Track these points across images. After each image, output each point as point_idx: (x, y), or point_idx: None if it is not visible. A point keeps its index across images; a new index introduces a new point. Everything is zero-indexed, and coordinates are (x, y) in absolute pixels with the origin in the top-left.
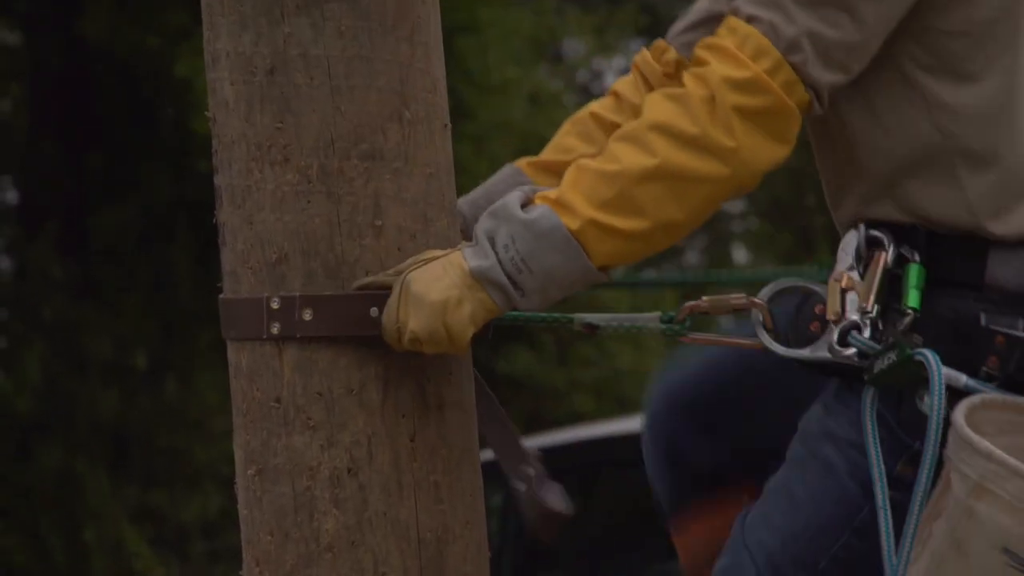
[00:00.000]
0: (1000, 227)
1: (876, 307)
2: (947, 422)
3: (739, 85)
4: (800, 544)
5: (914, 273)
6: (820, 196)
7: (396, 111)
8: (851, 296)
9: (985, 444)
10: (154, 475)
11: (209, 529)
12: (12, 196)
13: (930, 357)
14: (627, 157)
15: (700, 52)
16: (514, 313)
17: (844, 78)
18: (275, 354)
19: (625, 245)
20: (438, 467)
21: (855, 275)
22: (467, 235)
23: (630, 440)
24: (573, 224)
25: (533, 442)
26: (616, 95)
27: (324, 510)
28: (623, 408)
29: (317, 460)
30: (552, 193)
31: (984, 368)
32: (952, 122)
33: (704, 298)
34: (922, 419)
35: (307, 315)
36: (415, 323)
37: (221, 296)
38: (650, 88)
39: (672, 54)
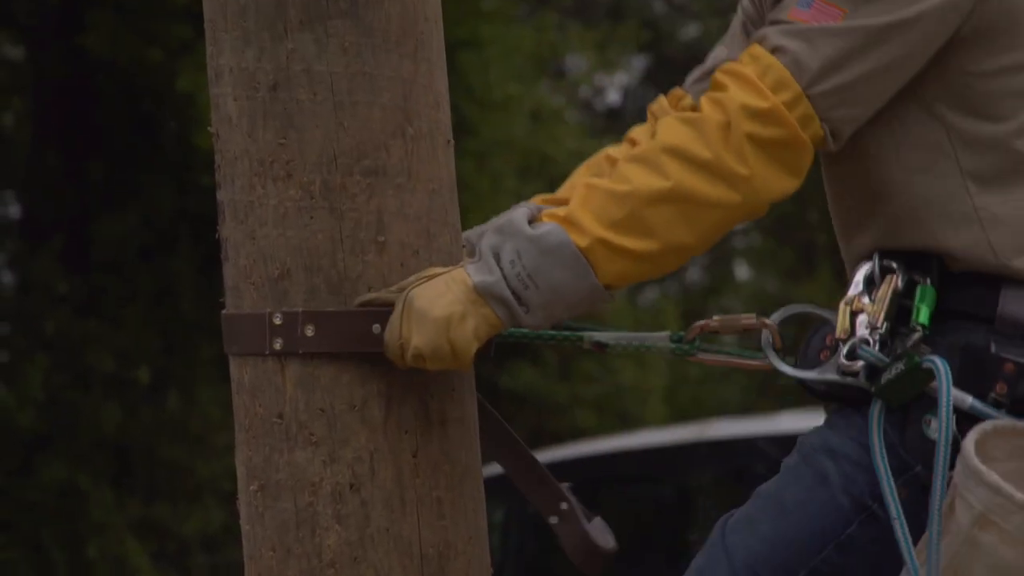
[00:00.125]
0: (1019, 263)
1: (886, 324)
2: (955, 445)
3: (756, 114)
4: (782, 551)
5: (924, 293)
6: (823, 212)
7: (399, 127)
8: (861, 317)
9: (993, 477)
10: (156, 489)
11: (211, 544)
12: (14, 210)
13: (939, 364)
14: (639, 178)
15: (720, 77)
16: (523, 330)
17: (865, 112)
18: (277, 370)
19: (633, 266)
20: (440, 483)
21: (865, 299)
22: None
23: (632, 456)
24: (582, 242)
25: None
26: (632, 141)
27: (326, 526)
28: (625, 424)
29: (319, 476)
30: (561, 211)
31: (992, 394)
32: (975, 161)
33: (715, 317)
34: (926, 443)
35: (309, 331)
36: (419, 339)
37: (223, 311)
38: None
39: (688, 101)
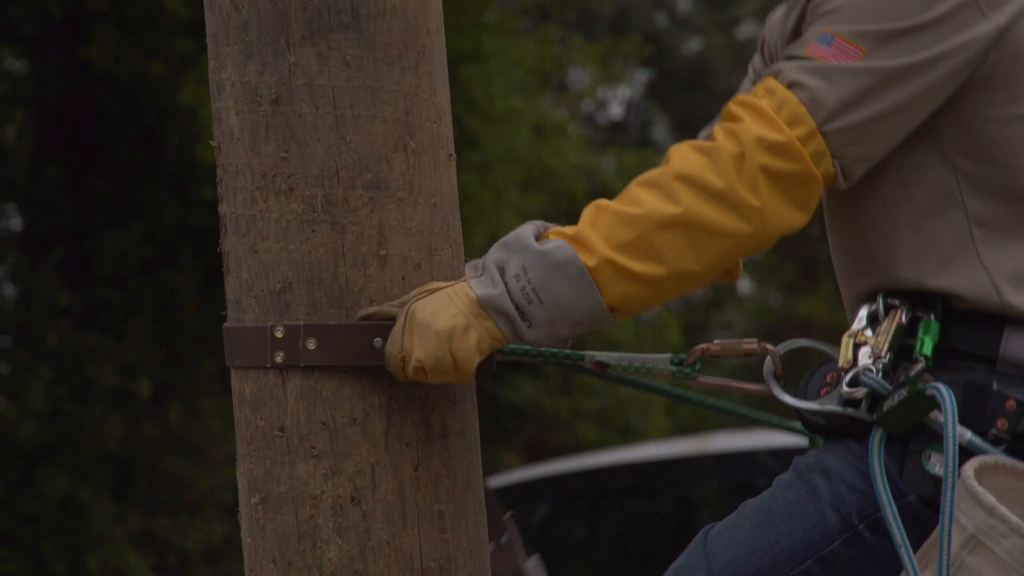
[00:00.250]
0: (1021, 309)
1: (889, 355)
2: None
3: (771, 147)
4: (763, 558)
5: (928, 326)
6: (824, 226)
7: (401, 141)
8: (864, 349)
9: (989, 498)
10: (158, 502)
11: (212, 556)
12: (16, 223)
13: (943, 390)
14: (650, 202)
15: (734, 108)
16: (526, 348)
17: (878, 151)
18: (279, 383)
19: (639, 289)
20: (442, 496)
21: (868, 332)
22: None
23: (634, 469)
24: (590, 261)
25: (537, 471)
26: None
27: (327, 539)
28: (626, 437)
29: (320, 489)
30: (569, 230)
31: (993, 430)
32: (983, 208)
33: (715, 341)
34: (924, 477)
35: (311, 344)
36: (421, 351)
37: (225, 325)
38: None
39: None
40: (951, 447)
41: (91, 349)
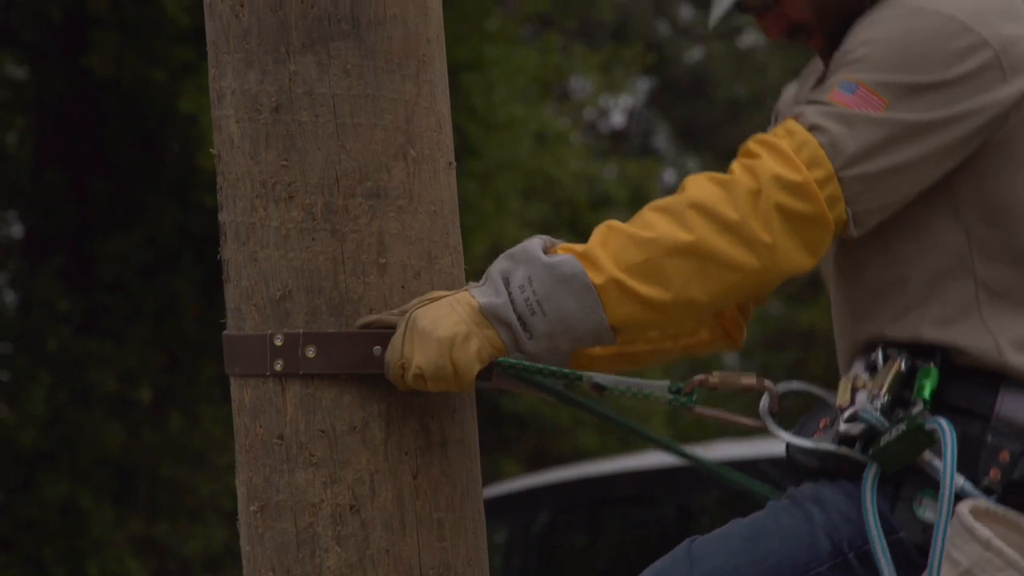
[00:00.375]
0: (1020, 370)
1: (887, 396)
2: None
3: (788, 186)
4: (748, 571)
5: (927, 372)
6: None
7: (401, 149)
8: (862, 392)
9: (985, 531)
10: (157, 508)
11: (212, 563)
12: (16, 229)
13: (944, 424)
14: (662, 227)
15: (753, 146)
16: (525, 364)
17: (891, 203)
18: (278, 391)
19: (642, 312)
20: (441, 504)
21: (866, 375)
22: None
23: (633, 477)
24: (597, 279)
25: (538, 479)
26: None
27: (326, 547)
28: (626, 445)
29: (319, 497)
30: (578, 247)
31: (986, 479)
32: (991, 272)
33: (715, 373)
34: (915, 521)
35: (310, 352)
36: (421, 358)
37: (225, 333)
38: None
39: None
40: (948, 475)
41: (91, 355)
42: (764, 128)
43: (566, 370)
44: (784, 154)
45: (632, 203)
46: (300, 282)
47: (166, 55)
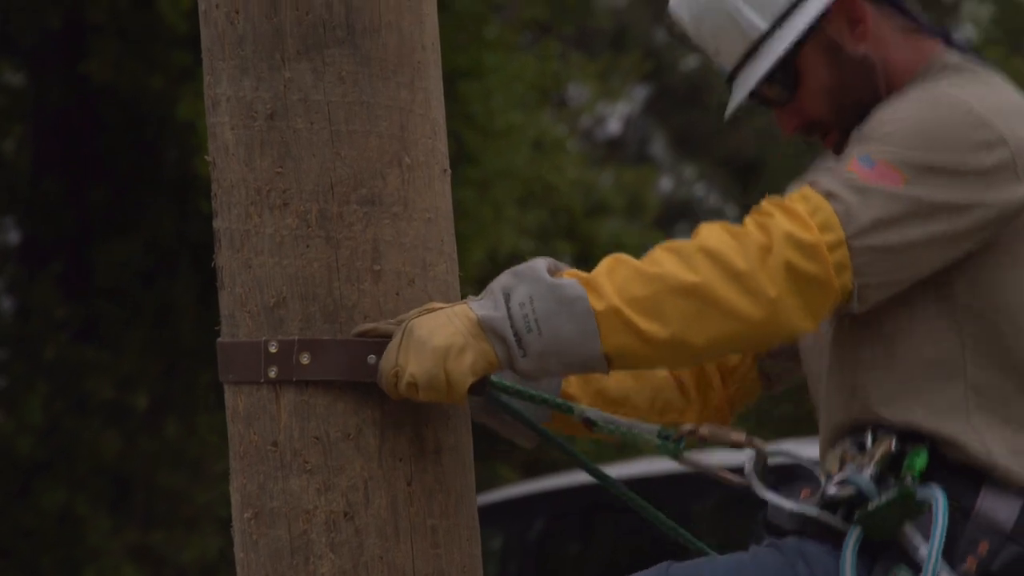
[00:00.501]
0: (1004, 464)
1: (876, 469)
2: None
3: (799, 245)
4: None
5: (917, 452)
6: None
7: (396, 156)
8: (851, 464)
9: None
10: (154, 515)
11: (207, 570)
12: (14, 236)
13: (938, 493)
14: (669, 266)
15: (767, 206)
16: (518, 388)
17: (896, 281)
18: (272, 398)
19: (637, 344)
20: (435, 511)
21: (855, 451)
22: None
23: (629, 484)
24: (598, 305)
25: (533, 486)
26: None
27: (320, 554)
28: (621, 453)
29: (313, 504)
30: (583, 274)
31: (962, 567)
32: (982, 377)
33: (705, 426)
34: None
35: (305, 359)
36: (415, 367)
37: (219, 340)
38: None
39: None
40: (939, 532)
41: (88, 362)
42: (760, 135)
43: (558, 400)
44: (798, 215)
45: (629, 211)
46: (294, 289)
47: (164, 61)
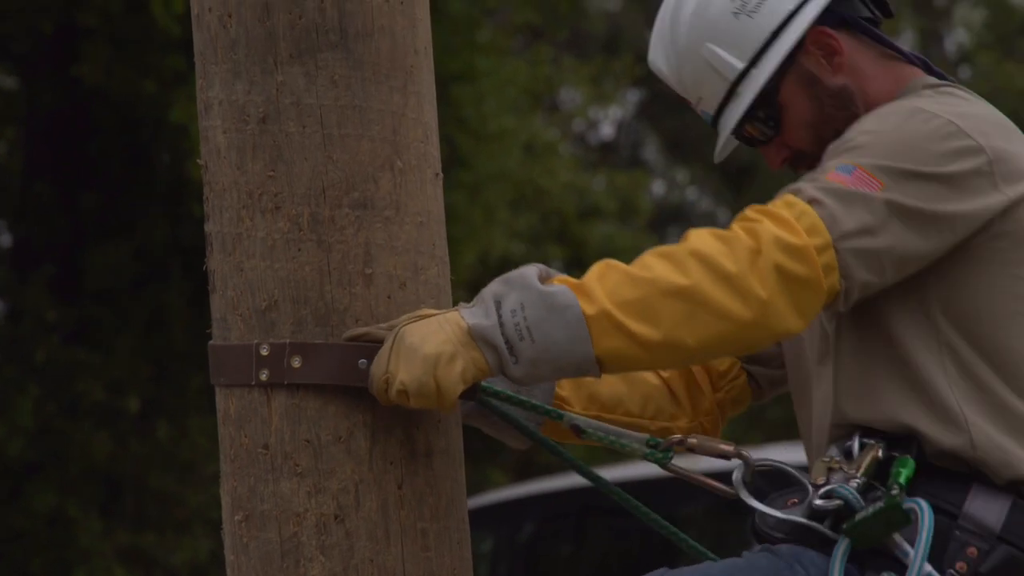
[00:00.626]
0: (993, 462)
1: (863, 479)
2: None
3: (787, 248)
4: None
5: (904, 462)
6: None
7: (388, 160)
8: (838, 473)
9: None
10: (145, 518)
11: (198, 573)
12: (5, 239)
13: (923, 504)
14: (660, 269)
15: (752, 213)
16: (509, 393)
17: (879, 283)
18: (264, 401)
19: (629, 347)
20: (425, 514)
21: (841, 459)
22: None
23: (620, 487)
24: (589, 309)
25: (525, 489)
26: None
27: (310, 556)
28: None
29: (304, 507)
30: (574, 280)
31: (951, 571)
32: (963, 369)
33: (694, 436)
34: None
35: (296, 362)
36: (405, 374)
37: (210, 343)
38: None
39: None
40: (923, 544)
41: (80, 365)
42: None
43: (547, 407)
44: (784, 220)
45: (621, 215)
46: (286, 292)
47: (157, 65)
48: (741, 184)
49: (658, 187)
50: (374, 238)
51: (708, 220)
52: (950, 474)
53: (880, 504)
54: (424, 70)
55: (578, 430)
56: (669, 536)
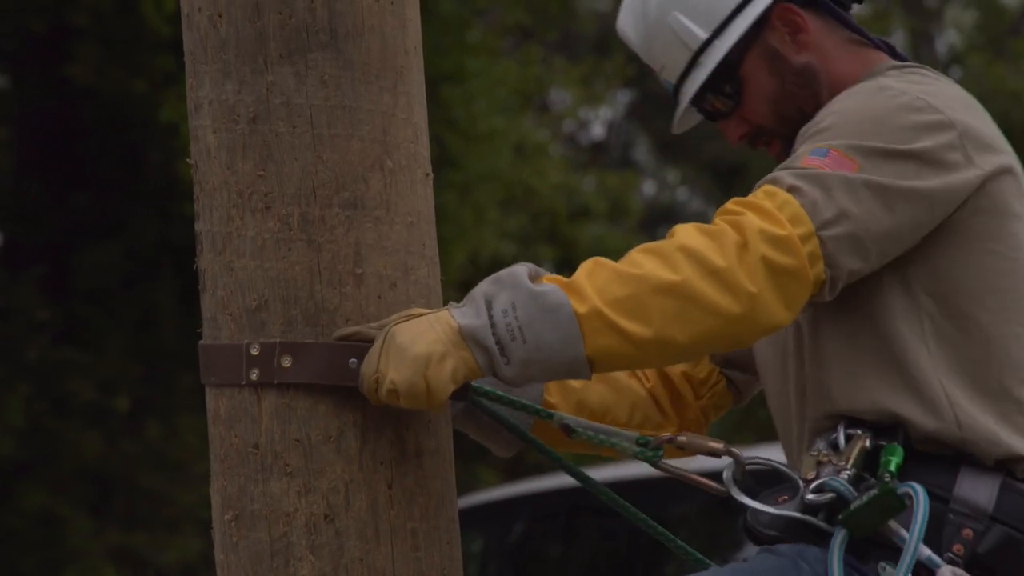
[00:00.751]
0: (982, 443)
1: (853, 469)
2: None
3: (773, 240)
4: None
5: (893, 449)
6: None
7: (378, 160)
8: (827, 467)
9: None
10: (135, 517)
11: (188, 572)
12: None
13: (918, 489)
14: (650, 266)
15: (734, 207)
16: (499, 393)
17: (864, 268)
18: (254, 400)
19: (621, 345)
20: (415, 514)
21: (829, 452)
22: None
23: (611, 487)
24: (581, 308)
25: (515, 488)
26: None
27: (300, 556)
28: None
29: (294, 506)
30: (564, 279)
31: (948, 554)
32: (947, 349)
33: (684, 434)
34: None
35: (286, 362)
36: (395, 374)
37: (200, 342)
38: None
39: None
40: (918, 529)
41: (70, 365)
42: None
43: (538, 406)
44: (767, 211)
45: (611, 215)
46: (276, 292)
47: (147, 65)
48: (732, 184)
49: (648, 187)
50: (364, 238)
51: (698, 220)
52: (937, 458)
53: (875, 491)
54: (414, 70)
55: (568, 429)
56: (658, 536)
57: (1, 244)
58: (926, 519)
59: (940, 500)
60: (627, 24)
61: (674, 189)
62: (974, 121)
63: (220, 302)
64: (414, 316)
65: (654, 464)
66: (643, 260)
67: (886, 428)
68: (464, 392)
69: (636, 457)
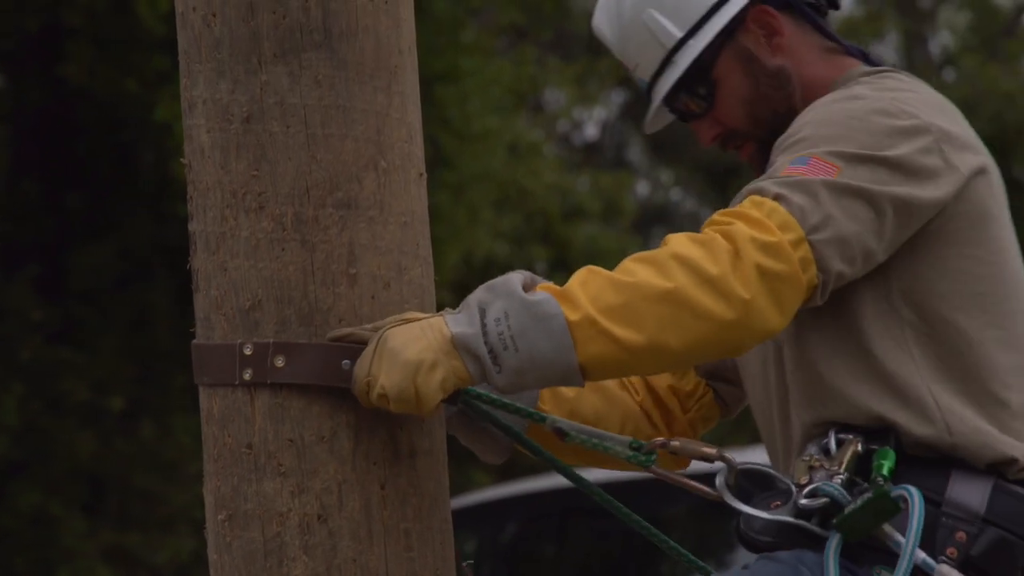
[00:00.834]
0: (972, 447)
1: (846, 473)
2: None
3: (764, 247)
4: None
5: (885, 453)
6: None
7: (372, 160)
8: (820, 472)
9: None
10: (129, 517)
11: (182, 572)
12: None
13: (913, 491)
14: (643, 274)
15: (721, 218)
16: (492, 396)
17: (851, 272)
18: (247, 400)
19: (614, 352)
20: (408, 515)
21: (821, 457)
22: None
23: (603, 488)
24: (573, 315)
25: (507, 489)
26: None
27: (293, 556)
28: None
29: (287, 506)
30: (557, 287)
31: (942, 557)
32: (930, 351)
33: (676, 439)
34: None
35: (279, 362)
36: (386, 379)
37: (194, 342)
38: None
39: None
40: (915, 530)
41: (64, 364)
42: None
43: (531, 410)
44: (756, 220)
45: (605, 215)
46: (270, 292)
47: (141, 64)
48: (725, 185)
49: (642, 188)
50: (358, 238)
51: (692, 221)
52: (929, 462)
53: (869, 495)
54: (408, 70)
55: (561, 433)
56: (650, 538)
57: None
58: (923, 520)
59: (933, 503)
60: (602, 21)
61: (668, 190)
62: (949, 124)
63: (213, 302)
64: (409, 321)
65: (647, 468)
66: (637, 268)
67: (877, 432)
68: (456, 397)
69: (628, 461)
